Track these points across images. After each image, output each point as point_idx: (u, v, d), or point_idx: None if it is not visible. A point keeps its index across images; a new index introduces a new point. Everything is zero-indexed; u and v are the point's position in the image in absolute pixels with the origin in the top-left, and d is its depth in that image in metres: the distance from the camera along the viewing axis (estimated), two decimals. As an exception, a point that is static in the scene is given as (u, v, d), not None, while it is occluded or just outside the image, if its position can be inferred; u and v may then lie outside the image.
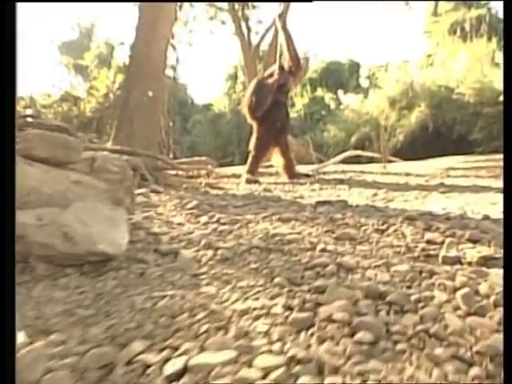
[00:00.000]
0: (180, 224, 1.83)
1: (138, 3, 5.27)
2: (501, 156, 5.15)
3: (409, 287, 1.01)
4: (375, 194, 2.87)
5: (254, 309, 0.88)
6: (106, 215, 1.28)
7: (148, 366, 0.66)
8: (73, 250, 1.16)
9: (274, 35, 7.81)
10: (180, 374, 0.64)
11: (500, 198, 2.35)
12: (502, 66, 8.90)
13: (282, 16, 4.69)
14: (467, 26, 13.18)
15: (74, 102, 9.72)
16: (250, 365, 0.66)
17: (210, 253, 1.32)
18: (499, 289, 0.97)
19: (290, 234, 1.57)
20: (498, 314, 0.85)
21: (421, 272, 1.12)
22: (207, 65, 51.75)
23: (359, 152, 8.63)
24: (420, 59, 14.67)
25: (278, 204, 2.46)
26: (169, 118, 8.07)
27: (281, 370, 0.64)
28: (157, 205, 2.39)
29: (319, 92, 16.24)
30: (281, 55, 4.47)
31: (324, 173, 5.53)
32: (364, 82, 17.29)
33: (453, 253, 1.29)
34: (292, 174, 4.42)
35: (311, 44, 26.78)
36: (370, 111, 11.98)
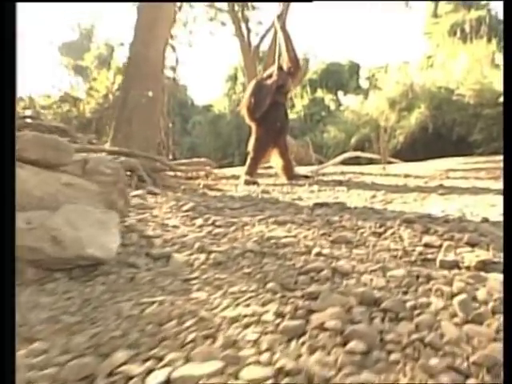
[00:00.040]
0: (175, 227, 1.81)
1: (136, 3, 5.25)
2: (500, 157, 5.12)
3: (405, 293, 0.98)
4: (374, 196, 2.84)
5: (245, 316, 0.85)
6: (96, 218, 1.26)
7: (130, 378, 0.63)
8: (62, 254, 1.14)
9: (274, 36, 7.79)
10: (163, 387, 0.61)
11: (499, 199, 2.33)
12: (501, 67, 8.88)
13: (281, 17, 4.67)
14: (467, 28, 13.15)
15: (74, 103, 9.72)
16: (236, 376, 0.63)
17: (202, 257, 1.30)
18: (497, 295, 0.95)
19: (286, 237, 1.54)
20: (496, 321, 0.82)
21: (418, 277, 1.09)
22: (207, 66, 51.76)
23: (359, 153, 8.60)
24: (420, 60, 14.63)
25: (276, 206, 2.43)
26: (168, 119, 8.06)
27: (268, 383, 0.61)
28: (152, 207, 2.37)
29: (319, 93, 16.20)
30: (280, 56, 4.44)
31: (323, 174, 5.50)
32: (364, 83, 17.26)
33: (451, 257, 1.26)
34: (291, 176, 4.39)
35: (311, 45, 26.74)
36: (369, 112, 11.95)
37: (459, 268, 1.17)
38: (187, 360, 0.68)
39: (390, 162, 7.60)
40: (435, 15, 15.74)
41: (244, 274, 1.15)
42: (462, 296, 0.92)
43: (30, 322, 0.87)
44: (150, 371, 0.65)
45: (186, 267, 1.21)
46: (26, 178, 1.34)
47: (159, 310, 0.88)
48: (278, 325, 0.80)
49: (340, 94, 15.86)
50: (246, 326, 0.80)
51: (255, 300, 0.94)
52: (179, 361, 0.67)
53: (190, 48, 14.90)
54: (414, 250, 1.35)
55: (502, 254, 1.24)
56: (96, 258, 1.16)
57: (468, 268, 1.17)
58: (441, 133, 9.85)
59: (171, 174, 4.52)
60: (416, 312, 0.86)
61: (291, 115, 12.00)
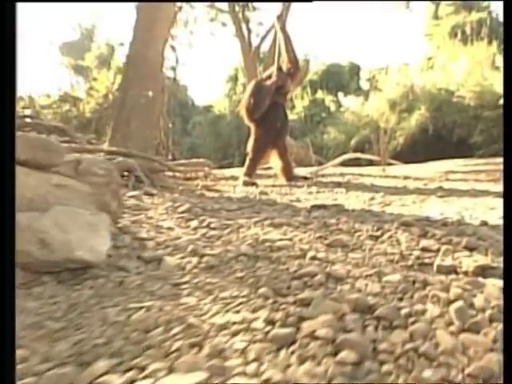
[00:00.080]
0: (169, 228, 1.78)
1: (135, 3, 5.23)
2: (500, 159, 5.10)
3: (400, 299, 0.96)
4: (372, 198, 2.81)
5: (234, 323, 0.82)
6: (86, 220, 1.23)
7: (110, 389, 0.61)
8: (50, 257, 1.11)
9: (274, 37, 7.78)
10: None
11: (499, 202, 2.30)
12: (502, 69, 8.85)
13: (281, 17, 4.65)
14: (468, 30, 13.12)
15: (74, 103, 9.71)
16: (221, 388, 0.61)
17: (195, 260, 1.27)
18: (495, 302, 0.92)
19: (281, 240, 1.52)
20: (493, 330, 0.79)
21: (414, 282, 1.06)
22: (208, 66, 51.81)
23: (359, 154, 8.56)
24: (420, 62, 14.60)
25: (273, 208, 2.40)
26: (168, 120, 8.03)
27: (254, 395, 0.59)
28: (148, 208, 2.34)
29: (319, 94, 16.18)
30: (279, 57, 4.42)
31: (322, 175, 5.47)
32: (364, 85, 17.21)
33: (448, 261, 1.24)
34: (290, 177, 4.36)
35: (311, 46, 26.72)
36: (370, 114, 11.93)
37: (457, 273, 1.15)
38: (171, 370, 0.65)
39: (390, 164, 7.58)
40: (436, 17, 15.73)
41: (236, 278, 1.12)
42: (459, 303, 0.90)
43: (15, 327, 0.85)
44: (131, 382, 0.62)
45: (177, 271, 1.19)
46: (16, 179, 1.31)
47: (146, 316, 0.85)
48: (267, 333, 0.78)
49: (340, 95, 15.82)
50: (235, 334, 0.78)
51: (246, 306, 0.91)
52: (162, 371, 0.64)
53: (190, 48, 14.88)
54: (411, 254, 1.32)
55: (500, 259, 1.22)
56: (85, 261, 1.13)
57: (466, 273, 1.14)
58: (441, 134, 9.83)
59: (170, 174, 4.49)
60: (411, 320, 0.83)
61: (291, 116, 11.99)
